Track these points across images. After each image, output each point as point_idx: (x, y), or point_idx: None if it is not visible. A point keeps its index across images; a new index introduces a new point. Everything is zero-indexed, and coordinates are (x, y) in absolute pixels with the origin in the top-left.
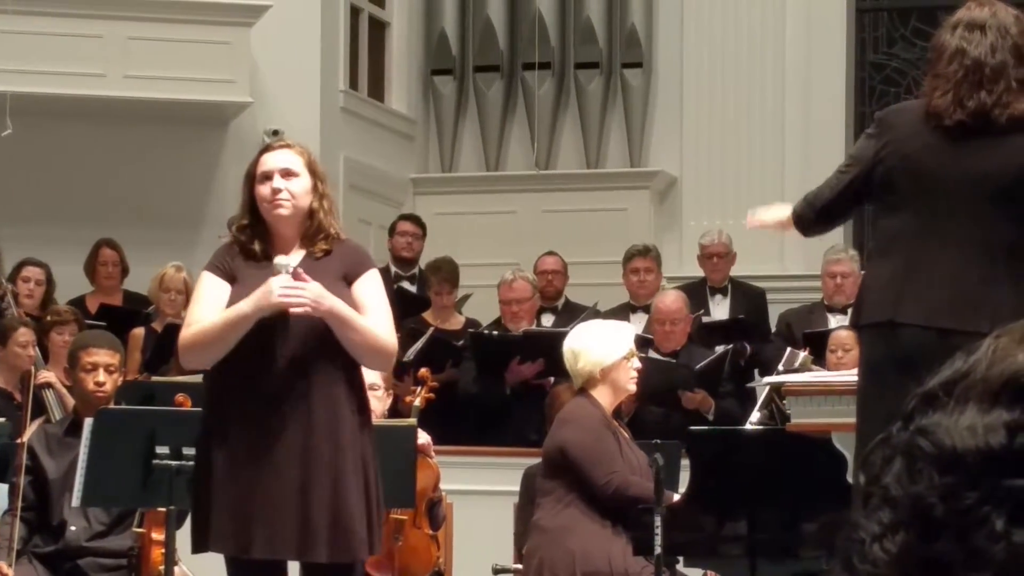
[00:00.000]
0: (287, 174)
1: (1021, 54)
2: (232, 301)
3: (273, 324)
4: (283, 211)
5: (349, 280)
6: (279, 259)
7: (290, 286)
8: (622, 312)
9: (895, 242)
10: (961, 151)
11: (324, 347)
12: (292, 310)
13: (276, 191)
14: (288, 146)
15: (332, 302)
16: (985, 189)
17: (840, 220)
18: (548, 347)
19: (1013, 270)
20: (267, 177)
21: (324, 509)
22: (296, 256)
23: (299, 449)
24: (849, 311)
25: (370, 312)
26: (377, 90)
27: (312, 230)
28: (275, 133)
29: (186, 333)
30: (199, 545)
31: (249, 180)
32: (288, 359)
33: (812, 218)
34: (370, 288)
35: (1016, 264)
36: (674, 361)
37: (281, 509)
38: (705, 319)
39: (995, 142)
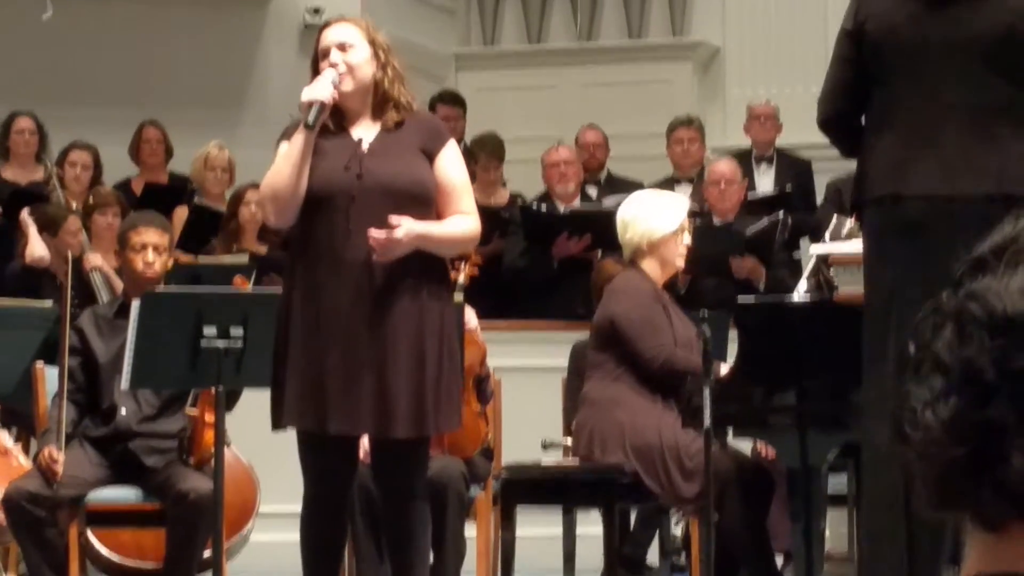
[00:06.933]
0: (343, 47)
1: None
2: (311, 171)
3: (348, 197)
4: (343, 84)
5: (428, 154)
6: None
7: (385, 243)
8: (667, 184)
9: (889, 114)
10: (944, 17)
11: (400, 216)
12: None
13: (334, 65)
14: (345, 20)
15: (418, 232)
16: (973, 53)
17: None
18: (595, 224)
19: (1011, 130)
20: (326, 54)
21: (402, 383)
22: (371, 130)
23: (375, 322)
24: None
25: (453, 196)
26: None
27: (378, 100)
28: (316, 12)
29: (262, 185)
30: (278, 421)
31: (314, 62)
32: (363, 231)
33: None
34: (452, 165)
35: (1013, 124)
36: (723, 223)
37: (357, 384)
38: (750, 195)
39: (977, 4)
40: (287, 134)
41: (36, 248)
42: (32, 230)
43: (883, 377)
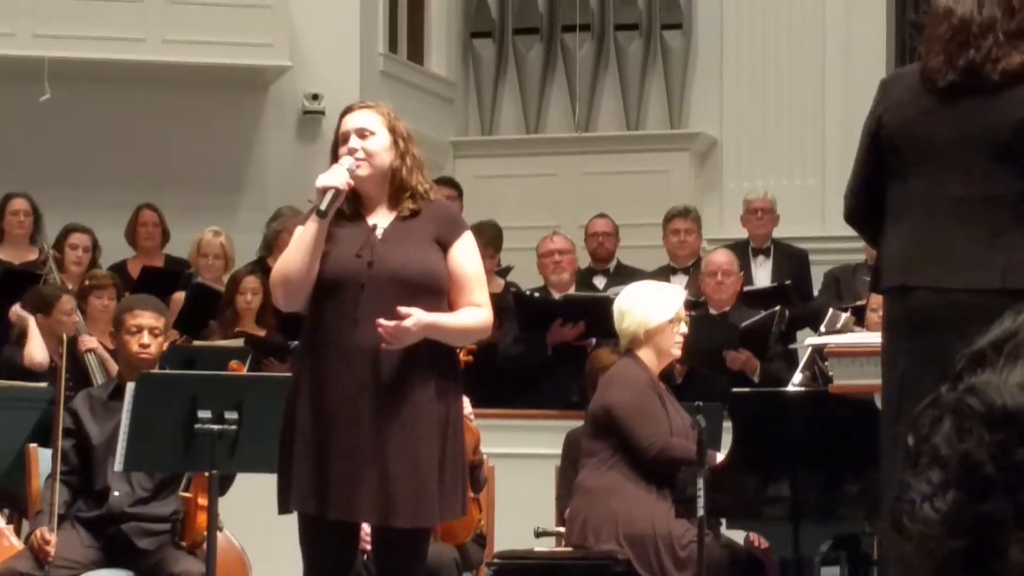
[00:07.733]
0: (362, 133)
1: (1011, 7)
2: (324, 257)
3: (357, 284)
4: (360, 170)
5: (443, 243)
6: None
7: (394, 332)
8: (662, 274)
9: (903, 207)
10: (957, 111)
11: (409, 307)
12: (387, 347)
13: (352, 151)
14: (367, 106)
15: (427, 323)
16: (984, 147)
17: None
18: (589, 311)
19: (1018, 225)
20: (346, 139)
21: (405, 473)
22: (386, 218)
23: (381, 410)
24: None
25: (467, 287)
26: (416, 53)
27: (395, 188)
28: (315, 98)
29: (274, 269)
30: (284, 505)
31: (333, 147)
32: (372, 319)
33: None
34: (465, 256)
35: (1021, 219)
36: (719, 314)
37: (360, 471)
38: (747, 288)
39: (990, 99)
40: (280, 218)
41: (36, 353)
42: (32, 327)
43: (895, 469)
